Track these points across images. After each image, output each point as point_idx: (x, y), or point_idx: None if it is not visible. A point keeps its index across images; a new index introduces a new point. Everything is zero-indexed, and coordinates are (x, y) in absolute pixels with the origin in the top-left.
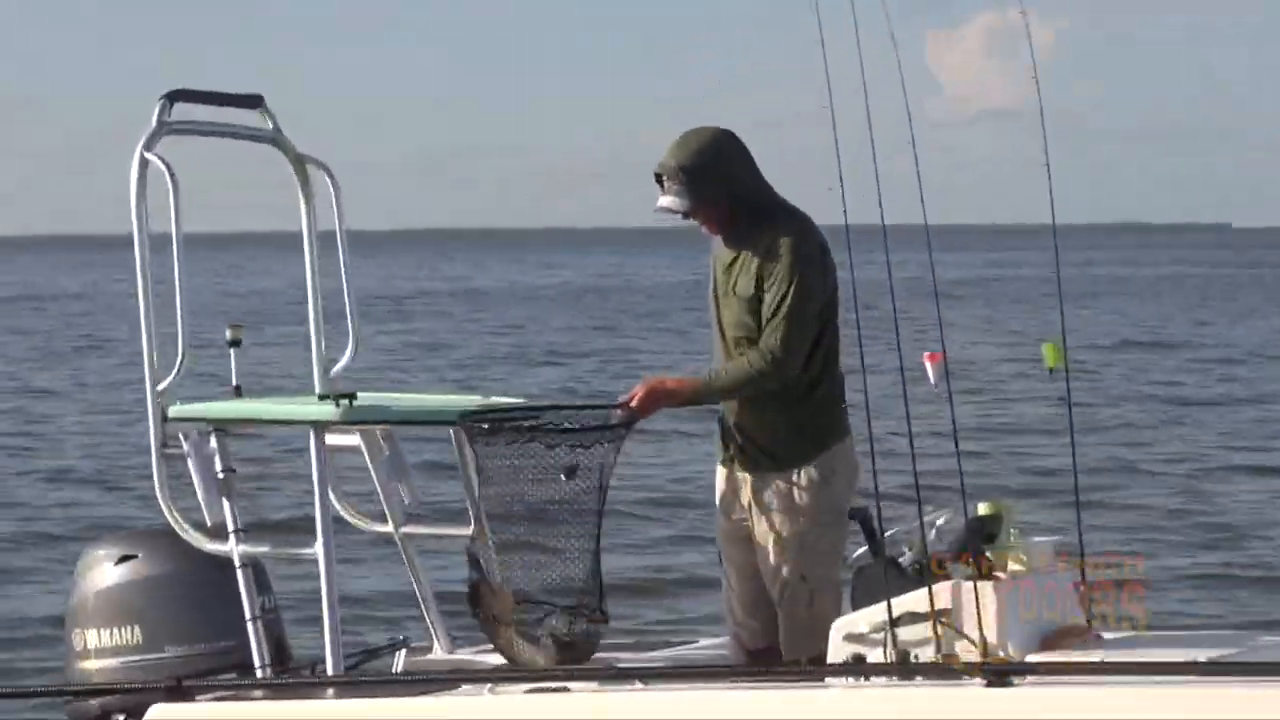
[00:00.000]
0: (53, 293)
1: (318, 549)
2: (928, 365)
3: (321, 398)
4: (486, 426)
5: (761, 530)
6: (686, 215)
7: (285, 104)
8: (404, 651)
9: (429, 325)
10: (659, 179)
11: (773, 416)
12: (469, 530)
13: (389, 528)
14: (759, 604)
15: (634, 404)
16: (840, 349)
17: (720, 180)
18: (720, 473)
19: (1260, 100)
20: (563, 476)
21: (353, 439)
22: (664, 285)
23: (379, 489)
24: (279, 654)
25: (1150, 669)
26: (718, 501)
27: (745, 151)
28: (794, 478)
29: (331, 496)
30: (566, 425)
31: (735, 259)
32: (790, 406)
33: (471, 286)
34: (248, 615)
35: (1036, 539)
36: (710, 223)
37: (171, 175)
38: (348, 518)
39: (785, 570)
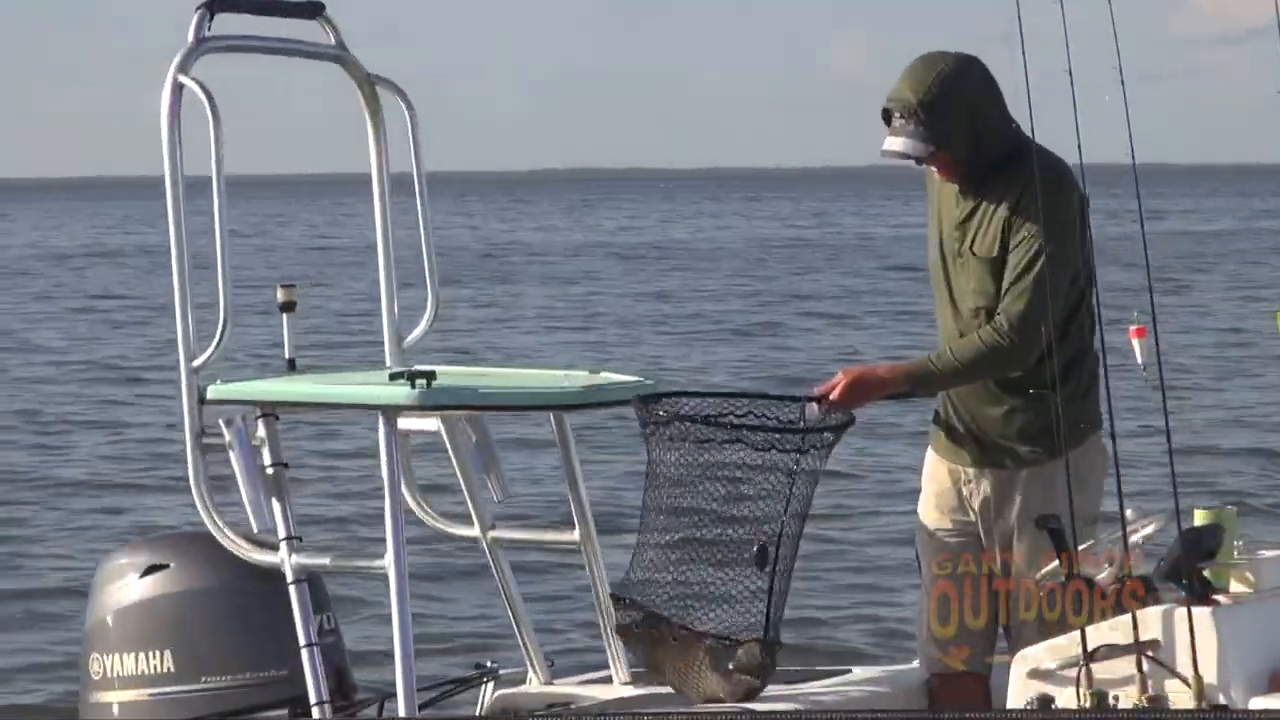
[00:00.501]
0: (63, 249)
1: (388, 561)
2: (1134, 343)
3: (393, 376)
4: (663, 413)
5: (1001, 535)
6: (921, 161)
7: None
8: (493, 684)
9: (531, 289)
10: (887, 116)
11: (1018, 404)
12: (573, 535)
13: (475, 531)
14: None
15: (835, 396)
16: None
17: (964, 118)
18: (934, 461)
19: None
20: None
21: (431, 423)
22: (876, 240)
23: (463, 484)
24: (340, 686)
25: None
26: (929, 496)
27: (993, 82)
28: (1044, 476)
29: (405, 492)
30: (759, 421)
31: (973, 211)
32: (1040, 394)
33: (599, 240)
34: (302, 641)
35: (1266, 554)
36: (947, 168)
37: (211, 103)
38: (425, 518)
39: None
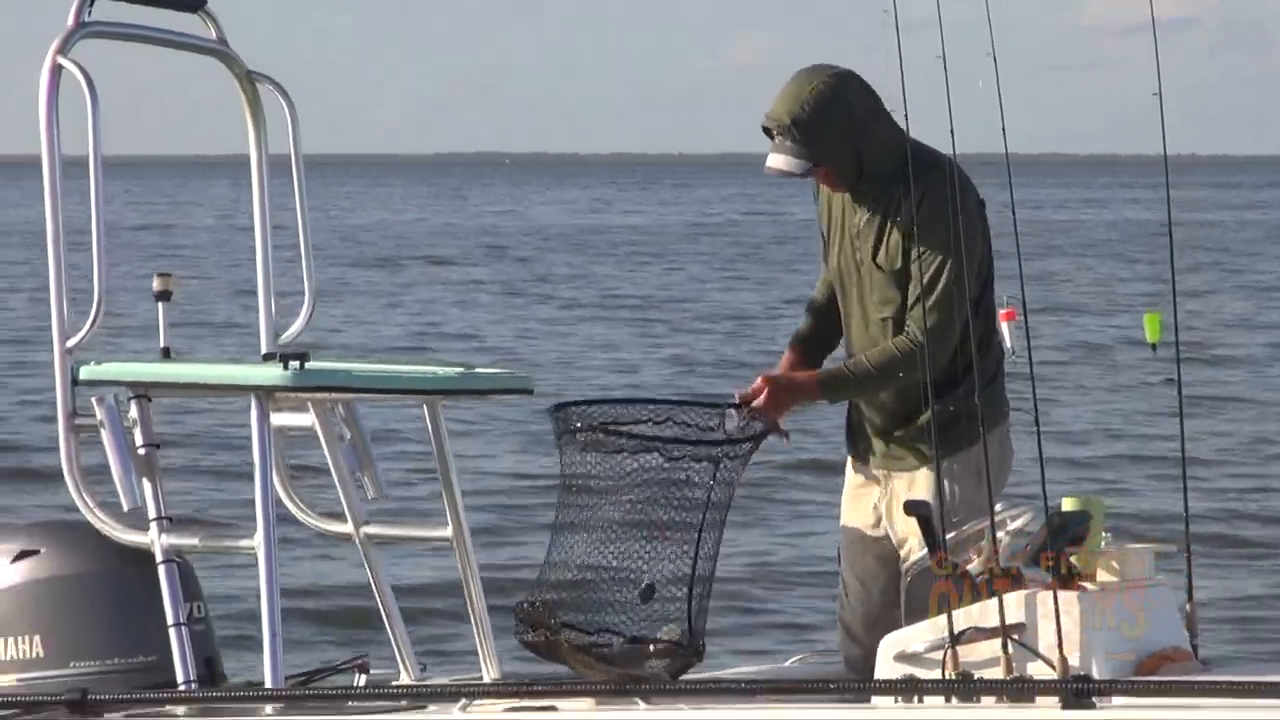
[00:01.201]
0: None
1: (258, 540)
2: (1003, 326)
3: (267, 357)
4: (578, 425)
5: (901, 533)
6: (804, 175)
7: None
8: (363, 676)
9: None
10: (767, 133)
11: (920, 403)
12: (445, 531)
13: (348, 528)
14: (881, 622)
15: (760, 403)
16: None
17: (840, 132)
18: (850, 471)
19: None
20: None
21: (304, 418)
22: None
23: (336, 480)
24: (209, 674)
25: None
26: (845, 500)
27: (872, 95)
28: (948, 470)
29: (279, 487)
30: (676, 431)
31: (870, 221)
32: (944, 389)
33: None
34: (170, 620)
35: (1133, 545)
36: (832, 182)
37: (90, 86)
38: (297, 514)
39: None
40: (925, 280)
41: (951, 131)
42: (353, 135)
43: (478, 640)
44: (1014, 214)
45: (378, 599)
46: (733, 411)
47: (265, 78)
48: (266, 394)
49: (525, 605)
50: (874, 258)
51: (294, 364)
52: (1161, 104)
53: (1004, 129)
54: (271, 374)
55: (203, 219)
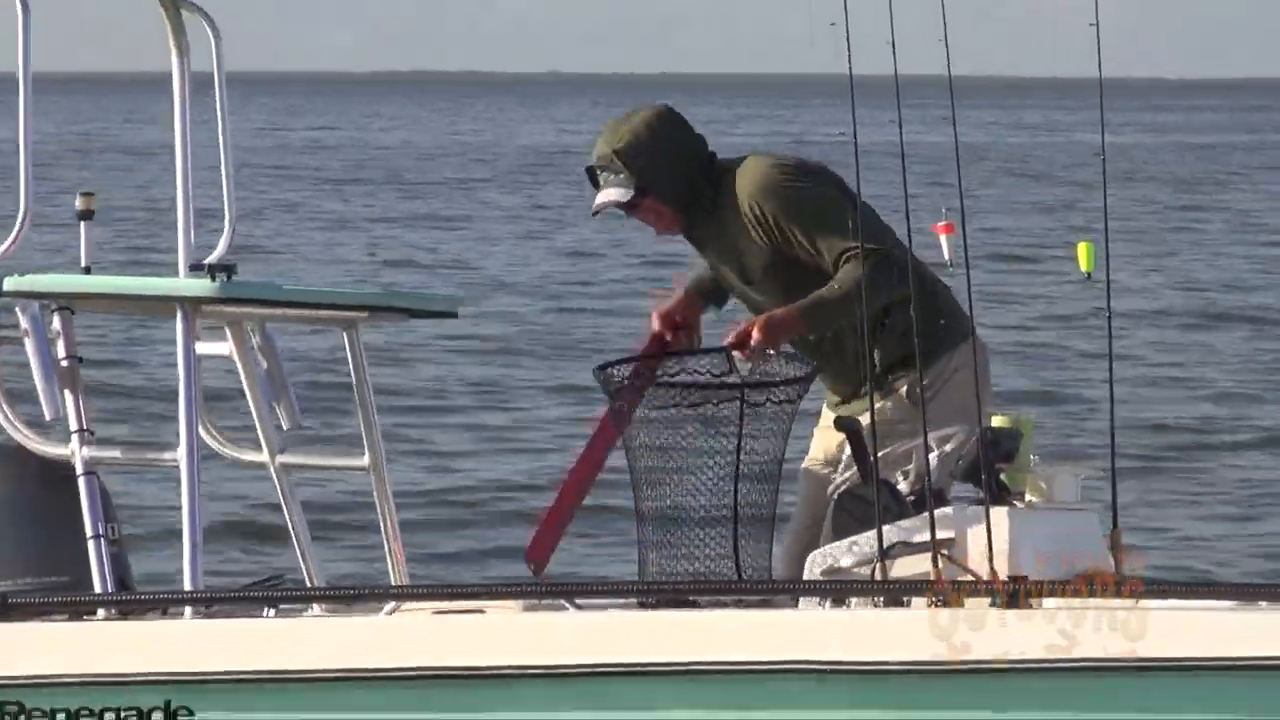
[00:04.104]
0: None
1: (180, 454)
2: (941, 238)
3: (194, 268)
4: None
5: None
6: (633, 206)
7: None
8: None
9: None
10: (592, 176)
11: (875, 336)
12: (363, 460)
13: (263, 456)
14: (809, 543)
15: (758, 337)
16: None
17: (663, 157)
18: (823, 415)
19: None
20: None
21: (221, 347)
22: None
23: (252, 408)
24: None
25: (1197, 592)
26: (815, 443)
27: (688, 125)
28: (912, 398)
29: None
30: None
31: (720, 251)
32: (894, 315)
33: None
34: (89, 532)
35: (1061, 465)
36: (663, 214)
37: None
38: (211, 443)
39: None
40: (808, 232)
41: (894, 49)
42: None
43: (391, 572)
44: (955, 129)
45: (290, 525)
46: (736, 354)
47: (192, 4)
48: (193, 305)
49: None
50: (745, 275)
51: (221, 275)
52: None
53: (947, 54)
54: (199, 285)
55: (117, 139)
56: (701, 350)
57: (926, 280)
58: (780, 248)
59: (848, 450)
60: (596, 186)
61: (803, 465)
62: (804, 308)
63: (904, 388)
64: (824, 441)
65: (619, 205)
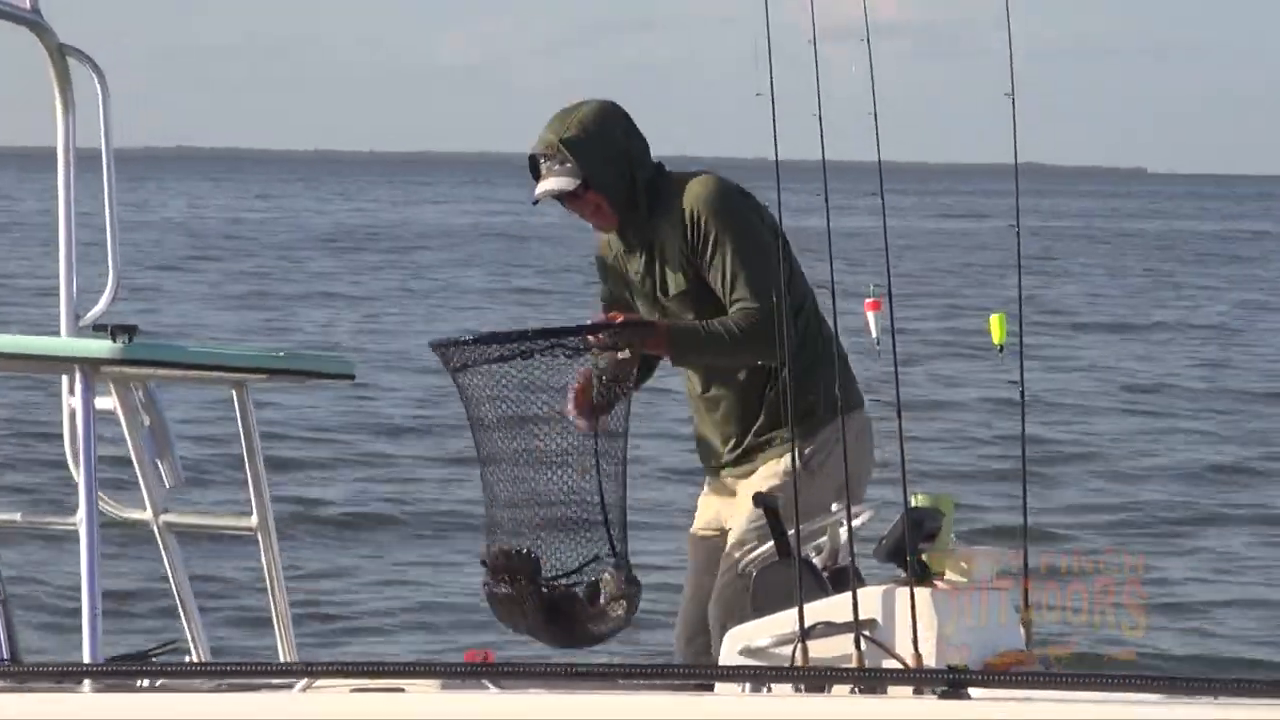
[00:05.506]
0: None
1: (80, 517)
2: (868, 316)
3: (97, 328)
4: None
5: (737, 527)
6: (574, 198)
7: None
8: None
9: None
10: (534, 164)
11: (756, 410)
12: (250, 521)
13: (146, 514)
14: (700, 617)
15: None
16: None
17: (608, 150)
18: (706, 487)
19: None
20: None
21: (107, 403)
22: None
23: (136, 467)
24: (12, 653)
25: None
26: (697, 513)
27: (633, 123)
28: (783, 466)
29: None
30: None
31: (648, 260)
32: (767, 383)
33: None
34: None
35: (981, 547)
36: (603, 208)
37: None
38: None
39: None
40: (723, 268)
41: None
42: None
43: (278, 635)
44: (884, 207)
45: (173, 587)
46: (589, 338)
47: (79, 52)
48: (93, 367)
49: (499, 554)
50: (662, 290)
51: (123, 336)
52: (1014, 109)
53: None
54: (100, 345)
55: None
56: (560, 330)
57: (822, 350)
58: (698, 267)
59: (756, 523)
60: (536, 176)
61: (691, 531)
62: (677, 326)
63: (784, 456)
64: (713, 508)
65: (560, 196)
